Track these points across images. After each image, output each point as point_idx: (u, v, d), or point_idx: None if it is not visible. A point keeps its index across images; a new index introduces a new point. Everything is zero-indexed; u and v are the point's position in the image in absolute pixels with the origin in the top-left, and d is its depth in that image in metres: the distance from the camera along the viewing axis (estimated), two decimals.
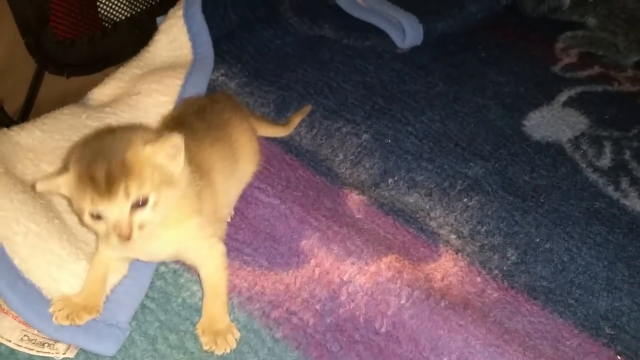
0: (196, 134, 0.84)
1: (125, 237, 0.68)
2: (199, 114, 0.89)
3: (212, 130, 0.87)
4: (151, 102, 1.04)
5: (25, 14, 1.02)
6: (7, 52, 1.02)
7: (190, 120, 0.88)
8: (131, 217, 0.68)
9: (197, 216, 0.77)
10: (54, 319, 0.72)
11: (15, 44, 1.02)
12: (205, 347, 0.75)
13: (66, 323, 0.72)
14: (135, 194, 0.67)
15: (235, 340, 0.77)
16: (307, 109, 1.15)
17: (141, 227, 0.69)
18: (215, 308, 0.78)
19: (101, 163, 0.67)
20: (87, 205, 0.68)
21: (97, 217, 0.69)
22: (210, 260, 0.80)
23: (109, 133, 0.73)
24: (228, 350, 0.76)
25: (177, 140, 0.70)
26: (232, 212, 0.93)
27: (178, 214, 0.74)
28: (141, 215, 0.69)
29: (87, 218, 0.69)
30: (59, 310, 0.72)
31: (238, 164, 0.90)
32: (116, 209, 0.67)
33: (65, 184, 0.70)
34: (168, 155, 0.70)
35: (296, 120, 1.12)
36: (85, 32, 1.12)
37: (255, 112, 1.13)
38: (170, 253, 0.79)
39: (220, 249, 0.81)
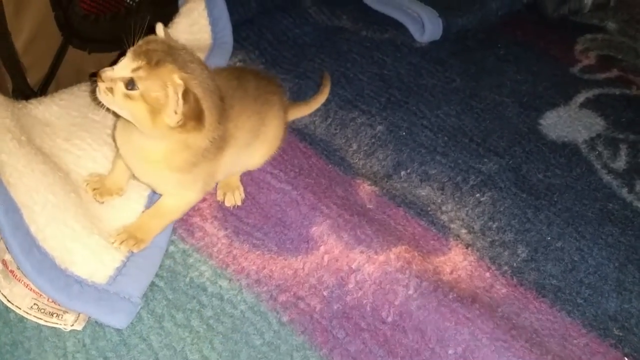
0: (234, 97, 0.85)
1: (100, 78, 0.73)
2: (246, 81, 0.90)
3: (250, 98, 0.88)
4: None
5: None
6: (36, 24, 1.02)
7: (234, 82, 0.88)
8: (117, 80, 0.73)
9: (181, 173, 0.80)
10: (85, 184, 0.85)
11: (45, 16, 1.03)
12: (111, 241, 0.80)
13: (92, 194, 0.84)
14: (135, 75, 0.72)
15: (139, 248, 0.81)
16: (327, 78, 1.16)
17: (109, 89, 0.73)
18: (149, 221, 0.83)
19: (158, 46, 0.73)
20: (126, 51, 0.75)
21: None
22: (174, 197, 0.84)
23: (183, 47, 0.77)
24: (126, 249, 0.80)
25: (189, 110, 0.73)
26: (243, 195, 0.94)
27: (162, 159, 0.78)
28: (119, 86, 0.72)
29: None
30: (94, 181, 0.86)
31: (256, 143, 0.91)
32: (123, 65, 0.73)
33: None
34: (175, 103, 0.72)
35: (325, 91, 1.14)
36: (109, 9, 1.13)
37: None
38: (146, 181, 0.84)
39: (189, 197, 0.85)
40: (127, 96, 0.72)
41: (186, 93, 0.71)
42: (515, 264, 0.91)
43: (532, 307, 0.85)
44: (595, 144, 1.14)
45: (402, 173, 1.04)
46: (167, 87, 0.72)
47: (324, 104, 1.14)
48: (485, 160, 1.08)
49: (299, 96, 1.16)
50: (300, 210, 0.93)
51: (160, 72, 0.72)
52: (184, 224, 0.89)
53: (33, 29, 1.01)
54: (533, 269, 0.91)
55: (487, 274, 0.89)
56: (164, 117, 0.73)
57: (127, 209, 0.86)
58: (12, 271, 0.76)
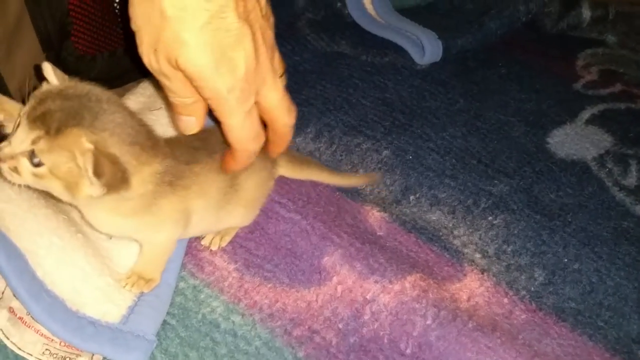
0: (211, 152, 0.78)
1: None
2: (212, 139, 0.79)
3: (217, 156, 0.78)
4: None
5: (46, 29, 1.01)
6: (29, 65, 1.01)
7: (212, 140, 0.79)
8: (19, 156, 0.61)
9: (136, 217, 0.72)
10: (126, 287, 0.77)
11: (37, 56, 1.02)
12: (122, 285, 0.76)
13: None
14: (37, 148, 0.59)
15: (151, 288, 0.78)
16: (373, 178, 1.05)
17: (13, 169, 0.62)
18: (147, 263, 0.79)
19: (53, 104, 0.59)
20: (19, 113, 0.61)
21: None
22: (147, 243, 0.78)
23: (101, 96, 0.64)
24: (138, 290, 0.77)
25: (110, 177, 0.60)
26: (224, 245, 0.89)
27: (110, 208, 0.70)
28: (23, 164, 0.61)
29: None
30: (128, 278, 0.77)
31: (229, 206, 0.83)
32: (20, 136, 0.60)
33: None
34: (89, 171, 0.60)
35: (359, 181, 1.04)
36: (106, 47, 1.12)
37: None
38: (105, 232, 0.77)
39: (160, 239, 0.77)
40: (36, 175, 0.61)
41: (99, 160, 0.58)
42: (532, 288, 0.89)
43: (553, 333, 0.83)
44: (604, 161, 1.13)
45: (411, 198, 1.03)
46: (77, 157, 0.59)
47: (329, 130, 1.13)
48: (496, 181, 1.06)
49: (302, 123, 1.15)
50: (311, 240, 0.91)
51: (64, 142, 0.59)
52: (193, 259, 0.87)
53: (26, 69, 1.01)
54: (551, 293, 0.89)
55: (505, 300, 0.87)
56: (84, 189, 0.61)
57: (135, 245, 0.84)
58: (20, 318, 0.74)
